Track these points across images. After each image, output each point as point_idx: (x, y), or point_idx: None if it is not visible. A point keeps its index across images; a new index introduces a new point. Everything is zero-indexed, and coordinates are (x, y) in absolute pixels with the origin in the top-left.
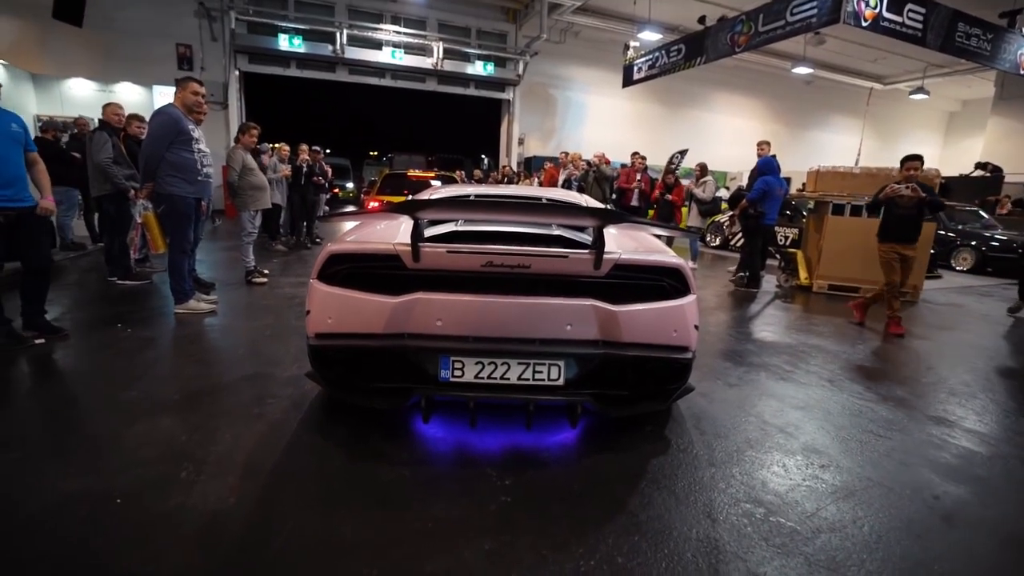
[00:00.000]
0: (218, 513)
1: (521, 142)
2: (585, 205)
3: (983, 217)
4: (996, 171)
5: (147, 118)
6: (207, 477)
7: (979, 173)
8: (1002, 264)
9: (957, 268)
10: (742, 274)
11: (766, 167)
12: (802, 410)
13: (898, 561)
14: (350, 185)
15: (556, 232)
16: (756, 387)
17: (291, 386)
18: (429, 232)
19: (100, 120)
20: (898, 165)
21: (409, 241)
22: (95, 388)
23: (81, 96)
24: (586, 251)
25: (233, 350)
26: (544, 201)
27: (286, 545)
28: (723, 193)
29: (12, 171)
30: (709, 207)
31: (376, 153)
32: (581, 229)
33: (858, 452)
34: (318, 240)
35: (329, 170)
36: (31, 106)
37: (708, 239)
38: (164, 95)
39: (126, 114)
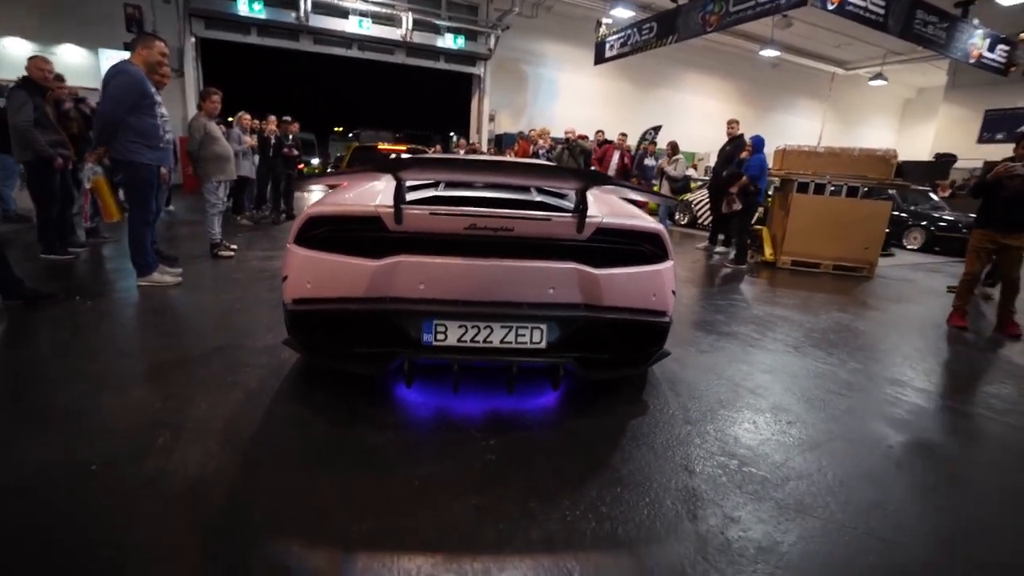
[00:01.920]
0: (199, 479)
1: (492, 119)
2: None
3: (932, 198)
4: (949, 158)
5: (92, 83)
6: (184, 444)
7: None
8: (949, 243)
9: (908, 247)
10: (721, 250)
11: (760, 144)
12: (770, 374)
13: (858, 502)
14: (315, 161)
15: (538, 199)
16: (726, 353)
17: (266, 355)
18: (411, 197)
19: (23, 77)
20: (859, 147)
21: (391, 204)
22: (59, 361)
23: (18, 57)
24: (569, 214)
25: (202, 322)
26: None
27: (272, 506)
28: (691, 172)
29: None
30: (680, 184)
31: (342, 129)
32: (562, 196)
33: (821, 410)
34: (293, 215)
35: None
36: None
37: (677, 217)
38: (111, 59)
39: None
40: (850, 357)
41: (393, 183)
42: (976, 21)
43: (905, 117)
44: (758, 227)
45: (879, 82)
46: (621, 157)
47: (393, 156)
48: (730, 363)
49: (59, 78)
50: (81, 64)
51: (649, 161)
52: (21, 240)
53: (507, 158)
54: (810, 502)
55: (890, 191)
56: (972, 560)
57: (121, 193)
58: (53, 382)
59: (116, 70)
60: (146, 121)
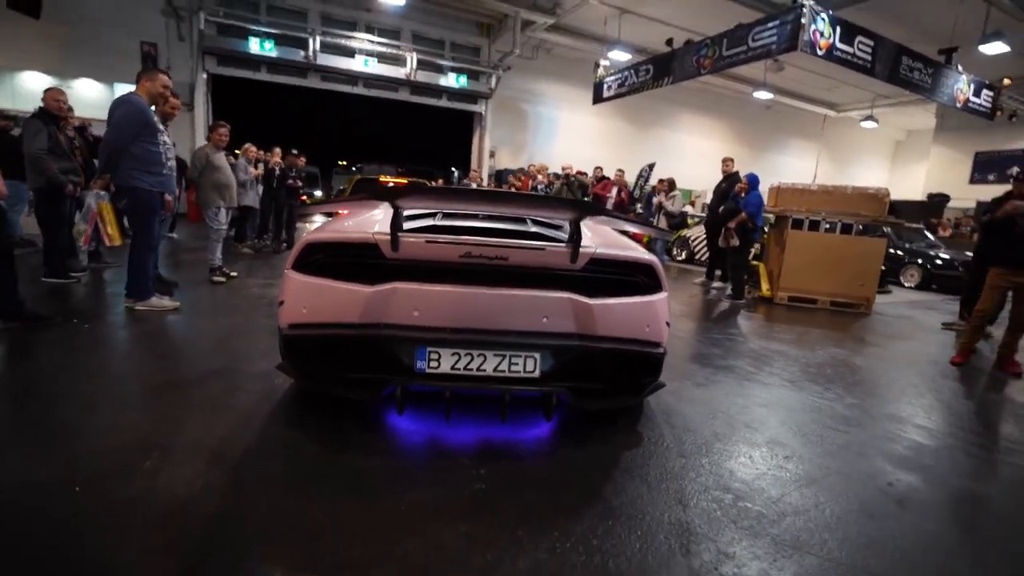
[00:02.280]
0: (187, 499)
1: (492, 155)
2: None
3: (927, 237)
4: (942, 197)
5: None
6: (173, 465)
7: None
8: (945, 281)
9: (906, 284)
10: (719, 285)
11: (755, 182)
12: (766, 407)
13: (856, 539)
14: (318, 193)
15: (533, 229)
16: (722, 387)
17: (261, 380)
18: (408, 227)
19: (39, 107)
20: (852, 185)
21: (388, 231)
22: (52, 382)
23: (36, 90)
24: (563, 244)
25: (198, 346)
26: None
27: (260, 527)
28: (688, 209)
29: None
30: (676, 220)
31: (345, 163)
32: (557, 228)
33: (818, 444)
34: (293, 244)
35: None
36: None
37: (675, 252)
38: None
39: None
40: (847, 392)
41: (391, 212)
42: (960, 67)
43: (897, 158)
44: (755, 263)
45: (870, 124)
46: (619, 192)
47: (391, 184)
48: (726, 396)
49: (68, 109)
50: (97, 98)
51: (659, 198)
52: (25, 263)
53: (502, 190)
54: (807, 539)
55: (885, 228)
56: None
57: (126, 220)
58: (45, 402)
59: (120, 101)
60: (148, 149)
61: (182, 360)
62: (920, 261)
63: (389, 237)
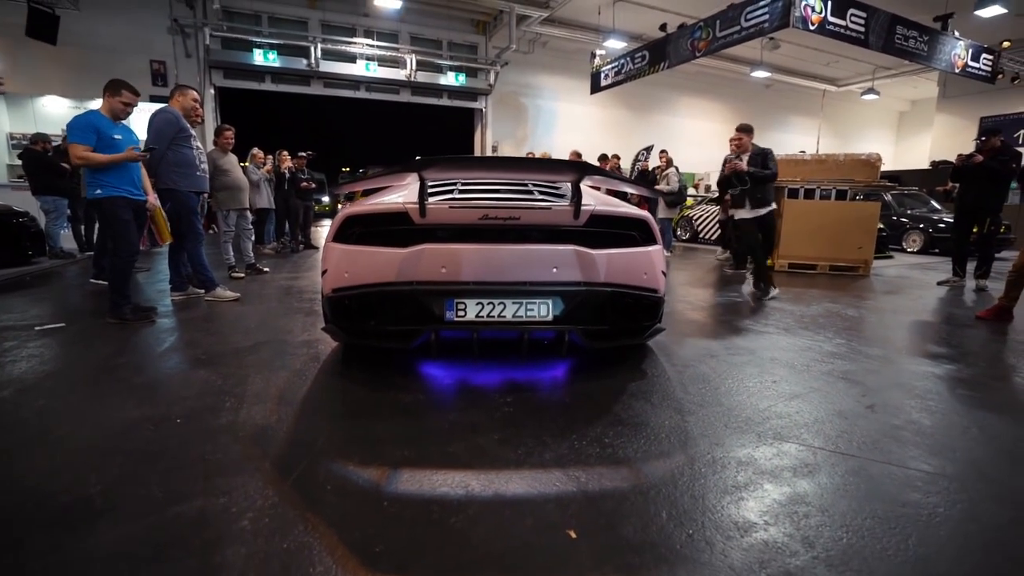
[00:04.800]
0: (265, 425)
1: (495, 149)
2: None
3: (929, 201)
4: (946, 164)
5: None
6: (248, 405)
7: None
8: (948, 244)
9: (908, 249)
10: (725, 255)
11: None
12: (760, 349)
13: (828, 432)
14: (326, 199)
15: (538, 196)
16: (721, 335)
17: (306, 347)
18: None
19: None
20: (844, 152)
21: (416, 200)
22: (128, 356)
23: (56, 113)
24: (566, 203)
25: (244, 325)
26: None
27: (329, 441)
28: (692, 192)
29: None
30: (675, 198)
31: (349, 169)
32: (560, 196)
33: (805, 373)
34: (312, 245)
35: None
36: (3, 124)
37: (679, 232)
38: (141, 111)
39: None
40: (836, 335)
41: (414, 187)
42: (957, 33)
43: (901, 129)
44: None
45: (871, 96)
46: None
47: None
48: (723, 340)
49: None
50: None
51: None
52: (67, 272)
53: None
54: (786, 433)
55: (885, 196)
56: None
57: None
58: (133, 370)
59: (157, 112)
60: (183, 152)
61: (231, 335)
62: (922, 226)
63: (417, 205)
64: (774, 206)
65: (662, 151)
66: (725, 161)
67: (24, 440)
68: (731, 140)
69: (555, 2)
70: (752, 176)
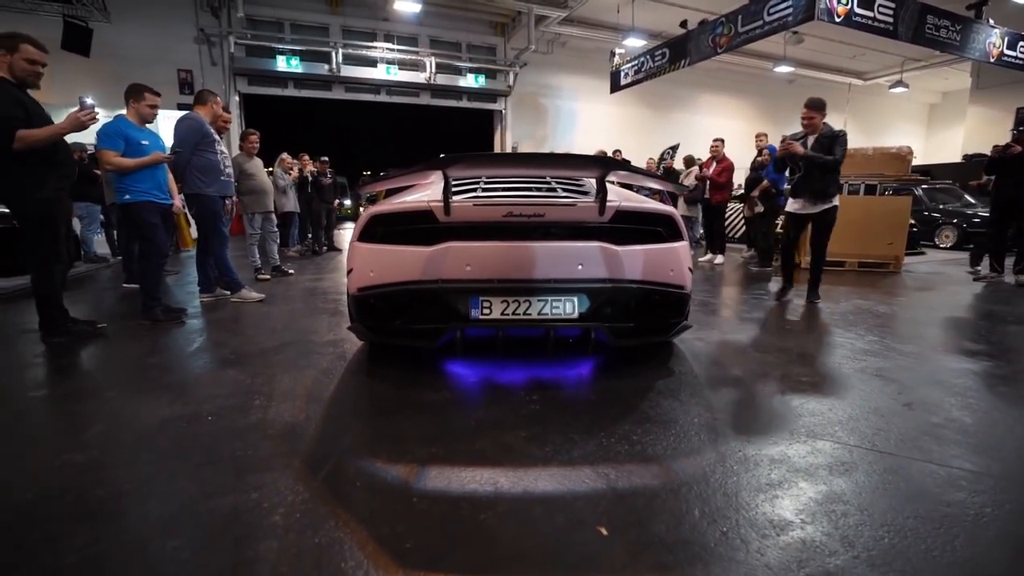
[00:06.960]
0: (294, 423)
1: (515, 150)
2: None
3: (962, 196)
4: (980, 158)
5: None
6: (276, 403)
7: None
8: (983, 239)
9: (941, 245)
10: (750, 253)
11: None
12: (789, 346)
13: (864, 430)
14: (348, 202)
15: (561, 193)
16: (747, 333)
17: (331, 347)
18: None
19: None
20: (872, 146)
21: (440, 199)
22: (158, 357)
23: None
24: (591, 199)
25: (270, 326)
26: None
27: (356, 438)
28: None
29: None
30: (694, 195)
31: (369, 173)
32: (583, 191)
33: (836, 370)
34: (335, 247)
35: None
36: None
37: (701, 231)
38: (168, 118)
39: None
40: (868, 332)
41: (438, 186)
42: (991, 21)
43: (932, 122)
44: (781, 231)
45: (900, 89)
46: None
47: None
48: (750, 340)
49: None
50: None
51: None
52: (100, 276)
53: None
54: (820, 431)
55: (916, 190)
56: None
57: (193, 229)
58: (155, 370)
59: (182, 118)
60: (207, 158)
61: (258, 336)
62: (955, 221)
63: (441, 204)
64: (836, 203)
65: (685, 157)
66: (781, 140)
67: (64, 435)
68: (801, 118)
69: (574, 1)
70: (810, 161)
